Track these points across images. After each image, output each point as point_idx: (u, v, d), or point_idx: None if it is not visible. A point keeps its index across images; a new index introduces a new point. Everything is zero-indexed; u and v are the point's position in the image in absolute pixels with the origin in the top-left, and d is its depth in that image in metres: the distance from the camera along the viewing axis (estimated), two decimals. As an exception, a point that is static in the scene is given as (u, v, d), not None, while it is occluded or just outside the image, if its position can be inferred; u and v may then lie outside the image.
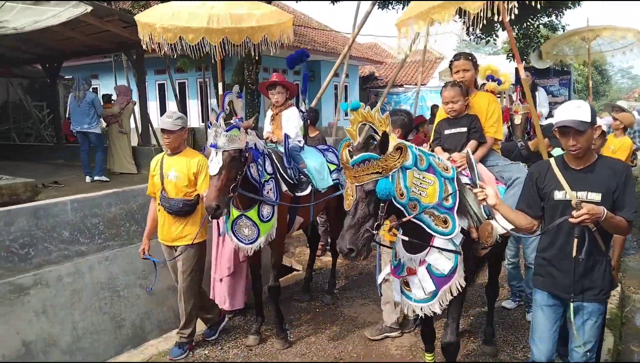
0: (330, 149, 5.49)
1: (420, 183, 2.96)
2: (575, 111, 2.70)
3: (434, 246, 3.06)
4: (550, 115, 7.89)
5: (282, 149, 4.73)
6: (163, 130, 4.16)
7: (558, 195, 2.81)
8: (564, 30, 13.04)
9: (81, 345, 4.35)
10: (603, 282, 2.81)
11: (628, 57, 8.83)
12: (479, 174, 3.44)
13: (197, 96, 16.45)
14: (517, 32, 13.37)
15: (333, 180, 5.08)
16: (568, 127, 2.67)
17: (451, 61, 4.18)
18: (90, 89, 8.70)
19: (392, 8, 12.89)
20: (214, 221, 4.99)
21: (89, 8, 6.79)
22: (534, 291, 3.07)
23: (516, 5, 4.04)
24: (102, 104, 8.81)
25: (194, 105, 16.68)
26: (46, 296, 4.17)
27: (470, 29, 12.51)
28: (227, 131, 3.71)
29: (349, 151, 2.84)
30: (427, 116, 12.03)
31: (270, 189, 4.26)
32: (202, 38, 4.75)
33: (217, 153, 3.71)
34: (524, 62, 12.83)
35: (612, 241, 3.47)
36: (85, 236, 4.50)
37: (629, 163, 5.50)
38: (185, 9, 4.78)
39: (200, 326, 4.69)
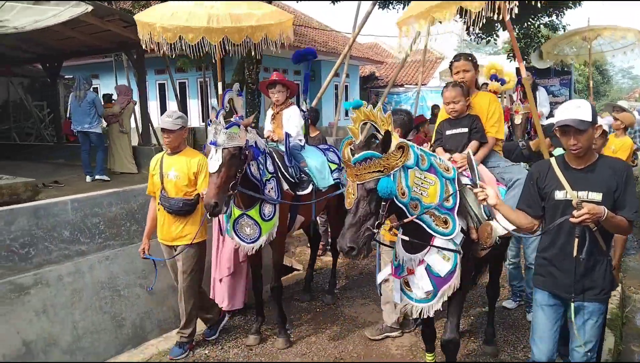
0: (331, 149, 5.49)
1: (422, 183, 2.96)
2: (576, 110, 2.70)
3: (434, 246, 3.06)
4: (551, 115, 7.89)
5: (283, 148, 4.73)
6: (163, 129, 4.16)
7: (559, 195, 2.80)
8: (564, 30, 13.04)
9: (81, 345, 4.34)
10: (604, 282, 2.81)
11: (629, 57, 8.83)
12: (480, 175, 3.43)
13: (198, 95, 16.46)
14: (517, 32, 13.36)
15: (334, 179, 5.08)
16: (569, 126, 2.67)
17: (451, 62, 4.18)
18: (91, 89, 8.70)
19: (393, 8, 12.89)
20: (214, 221, 5.00)
21: (90, 8, 6.79)
22: (534, 291, 3.07)
23: (516, 4, 4.03)
24: (102, 103, 8.82)
25: (194, 105, 16.68)
26: (46, 295, 4.17)
27: (471, 28, 12.53)
28: (226, 128, 3.70)
29: (351, 149, 2.84)
30: (428, 115, 12.03)
31: (272, 188, 4.25)
32: (202, 38, 4.75)
33: (216, 150, 3.70)
34: (524, 62, 12.83)
35: (614, 241, 3.48)
36: (86, 235, 4.50)
37: (629, 163, 5.50)
38: (185, 8, 4.78)
39: (201, 326, 4.69)
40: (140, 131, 10.82)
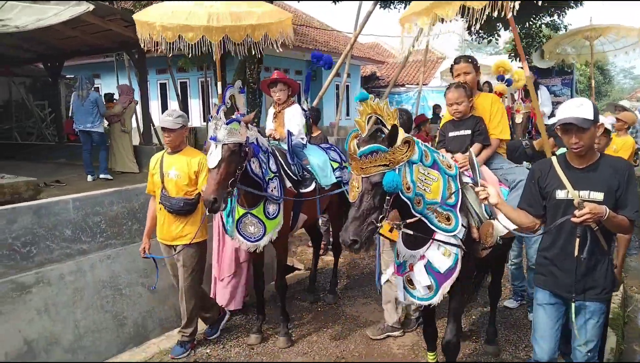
0: (332, 148, 5.49)
1: (425, 179, 2.96)
2: (577, 108, 2.69)
3: (436, 239, 3.06)
4: (552, 114, 7.89)
5: (284, 146, 4.73)
6: (164, 128, 4.15)
7: (560, 194, 2.80)
8: (566, 30, 13.04)
9: (83, 344, 4.34)
10: (605, 281, 2.80)
11: (630, 57, 8.82)
12: (482, 175, 3.43)
13: (199, 95, 16.47)
14: (519, 31, 13.34)
15: (336, 178, 5.08)
16: (571, 124, 2.66)
17: (452, 65, 4.18)
18: (93, 89, 8.73)
19: (394, 8, 12.87)
20: (215, 221, 4.99)
21: (91, 7, 6.80)
22: (535, 290, 3.06)
23: (518, 2, 4.03)
24: (104, 103, 8.84)
25: (195, 104, 16.69)
26: (48, 294, 4.17)
27: (472, 28, 12.51)
28: (227, 123, 3.68)
29: (357, 142, 2.82)
30: (429, 115, 12.02)
31: (275, 187, 4.24)
32: (202, 36, 4.75)
33: (216, 146, 3.68)
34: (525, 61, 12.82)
35: (617, 241, 3.47)
36: (87, 234, 4.49)
37: (631, 162, 5.49)
38: (184, 7, 4.78)
39: (201, 325, 4.69)
40: (141, 130, 10.84)
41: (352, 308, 5.37)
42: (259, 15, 4.97)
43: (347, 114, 19.91)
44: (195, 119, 16.17)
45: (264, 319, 4.75)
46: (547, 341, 2.94)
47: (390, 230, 3.21)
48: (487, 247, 3.28)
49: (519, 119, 7.50)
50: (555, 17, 12.79)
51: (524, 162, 4.89)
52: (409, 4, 6.23)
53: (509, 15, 4.04)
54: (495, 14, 3.94)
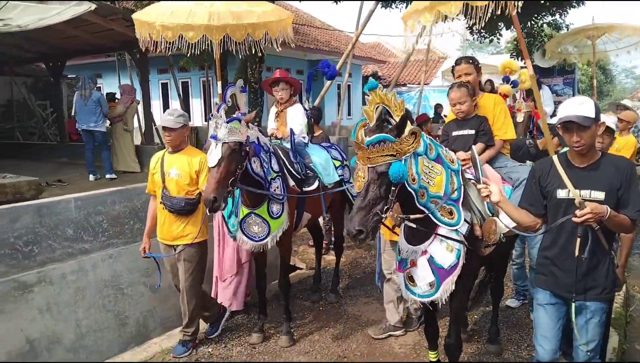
0: (333, 146, 5.50)
1: (429, 172, 2.95)
2: (579, 106, 2.68)
3: (438, 234, 3.05)
4: (554, 114, 7.87)
5: (286, 145, 4.73)
6: (164, 128, 4.15)
7: (561, 194, 2.78)
8: (567, 30, 13.02)
9: (85, 343, 4.34)
10: (606, 281, 2.79)
11: (632, 56, 8.80)
12: (484, 173, 3.42)
13: (200, 95, 16.47)
14: (521, 31, 13.32)
15: (339, 176, 5.08)
16: (572, 122, 2.65)
17: (453, 66, 4.17)
18: (95, 88, 8.74)
19: (396, 7, 12.85)
20: (215, 220, 4.99)
21: (93, 6, 6.81)
22: (535, 290, 3.05)
23: (521, 3, 4.02)
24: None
25: (197, 104, 16.70)
26: (50, 293, 4.17)
27: (474, 27, 12.49)
28: (227, 122, 3.66)
29: (364, 131, 2.81)
30: (431, 115, 12.01)
31: (277, 187, 4.23)
32: (203, 36, 4.74)
33: (216, 144, 3.66)
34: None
35: (620, 240, 3.45)
36: (89, 234, 4.49)
37: (633, 161, 5.47)
38: (184, 7, 4.77)
39: (203, 324, 4.69)
40: (143, 130, 10.84)
41: (354, 307, 5.37)
42: (260, 14, 4.97)
43: (349, 114, 19.90)
44: (197, 119, 16.17)
45: (265, 318, 4.76)
46: (548, 341, 2.93)
47: (393, 228, 3.20)
48: (490, 245, 3.27)
49: (520, 118, 7.48)
50: (557, 16, 12.75)
51: (527, 161, 4.88)
52: (410, 4, 6.23)
53: (513, 12, 4.03)
54: (499, 11, 3.93)
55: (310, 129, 5.60)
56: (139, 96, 10.28)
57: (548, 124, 4.56)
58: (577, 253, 2.67)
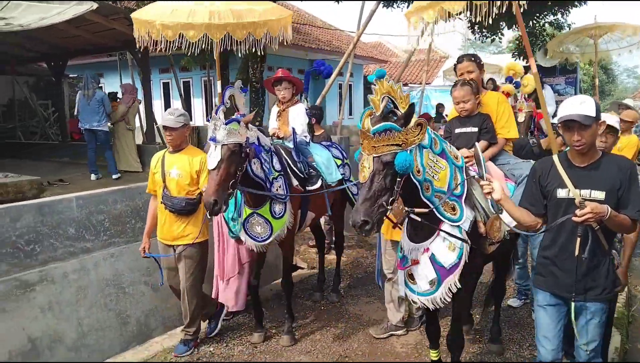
0: (334, 145, 5.49)
1: (434, 166, 2.94)
2: (580, 105, 2.67)
3: (442, 230, 3.03)
4: (555, 113, 7.86)
5: (289, 144, 4.72)
6: (165, 127, 4.14)
7: (561, 193, 2.77)
8: (569, 29, 13.00)
9: (86, 342, 4.35)
10: (606, 282, 2.78)
11: (634, 55, 8.79)
12: (487, 170, 3.41)
13: (202, 94, 16.47)
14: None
15: (341, 174, 5.08)
16: (573, 121, 2.64)
17: (455, 64, 4.17)
18: (98, 87, 8.76)
19: (397, 7, 12.86)
20: (215, 220, 4.98)
21: (95, 5, 6.80)
22: (535, 291, 3.03)
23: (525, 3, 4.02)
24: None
25: (198, 104, 16.70)
26: (52, 292, 4.17)
27: (475, 27, 12.49)
28: (226, 124, 3.63)
29: (371, 120, 2.79)
30: (433, 114, 12.00)
31: (280, 187, 4.21)
32: (204, 35, 4.74)
33: (216, 146, 3.63)
34: (528, 61, 12.78)
35: (623, 241, 3.43)
36: (91, 233, 4.49)
37: (635, 161, 5.46)
38: (185, 6, 4.77)
39: (203, 324, 4.69)
40: (144, 130, 10.85)
41: (355, 307, 5.37)
42: (260, 13, 4.97)
43: (350, 114, 19.89)
44: (198, 119, 16.17)
45: (262, 316, 4.73)
46: (550, 342, 2.92)
47: (396, 224, 3.19)
48: (494, 242, 3.26)
49: (521, 118, 7.47)
50: (559, 15, 12.73)
51: (531, 161, 4.88)
52: (411, 3, 6.24)
53: (519, 11, 4.03)
54: (504, 9, 3.93)
55: (311, 129, 5.60)
56: (140, 96, 10.29)
57: (552, 123, 4.56)
58: (577, 252, 2.66)
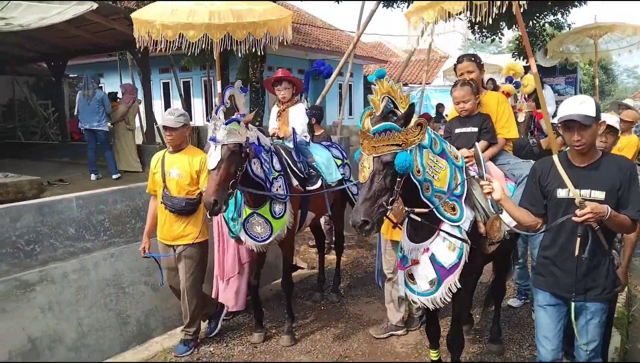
0: (333, 145, 5.49)
1: (434, 166, 2.94)
2: (579, 105, 2.66)
3: (442, 230, 3.03)
4: (555, 114, 7.86)
5: (289, 144, 4.72)
6: (165, 127, 4.14)
7: (561, 193, 2.77)
8: (569, 29, 13.00)
9: (86, 342, 4.35)
10: (606, 282, 2.78)
11: (634, 55, 8.79)
12: (487, 170, 3.41)
13: (202, 94, 16.47)
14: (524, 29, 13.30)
15: (341, 174, 5.08)
16: (573, 121, 2.64)
17: (455, 64, 4.17)
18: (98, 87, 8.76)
19: (397, 7, 12.86)
20: (215, 220, 4.97)
21: (95, 5, 6.80)
22: (535, 291, 3.03)
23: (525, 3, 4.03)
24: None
25: (198, 104, 16.70)
26: (52, 292, 4.17)
27: (475, 27, 12.48)
28: (226, 124, 3.63)
29: (371, 120, 2.78)
30: (432, 114, 11.99)
31: (280, 187, 4.21)
32: (204, 35, 4.73)
33: (215, 146, 3.63)
34: (528, 61, 12.77)
35: (623, 241, 3.43)
36: (91, 233, 4.49)
37: (635, 161, 5.46)
38: (185, 6, 4.77)
39: (203, 324, 4.68)
40: (144, 130, 10.86)
41: (356, 307, 5.37)
42: (261, 13, 4.97)
43: (350, 114, 19.89)
44: (198, 119, 16.17)
45: (261, 316, 4.72)
46: (550, 342, 2.91)
47: (396, 224, 3.19)
48: (494, 242, 3.26)
49: (521, 118, 7.48)
50: (559, 15, 12.73)
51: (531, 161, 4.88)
52: (411, 3, 6.24)
53: (519, 11, 4.03)
54: (504, 9, 3.93)
55: (310, 129, 5.59)
56: (140, 96, 10.28)
57: (552, 123, 4.56)
58: (577, 252, 2.65)
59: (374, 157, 2.72)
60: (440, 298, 3.12)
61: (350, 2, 12.41)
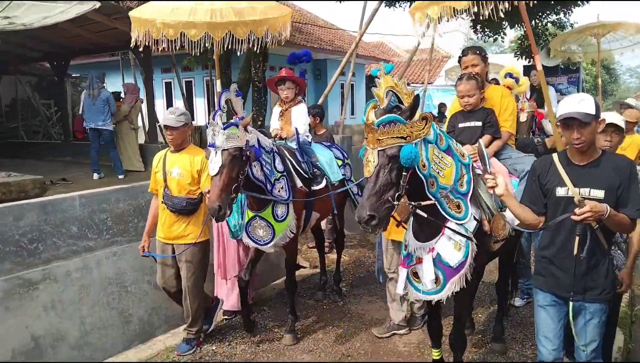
0: (334, 146, 5.49)
1: (439, 162, 2.90)
2: (578, 103, 2.66)
3: (447, 227, 3.01)
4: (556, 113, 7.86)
5: (291, 144, 4.71)
6: (166, 126, 4.13)
7: (560, 192, 2.76)
8: (572, 29, 12.98)
9: (89, 340, 4.35)
10: (605, 282, 2.77)
11: (637, 54, 8.78)
12: (492, 167, 3.39)
13: (204, 94, 16.48)
14: (524, 30, 13.28)
15: (342, 175, 5.08)
16: (572, 119, 2.63)
17: (460, 57, 4.16)
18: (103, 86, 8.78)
19: (399, 6, 12.84)
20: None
21: (97, 4, 6.81)
22: (535, 291, 3.02)
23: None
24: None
25: (200, 103, 16.71)
26: (54, 291, 4.18)
27: (478, 27, 12.46)
28: (224, 128, 3.61)
29: (375, 112, 2.74)
30: (435, 114, 11.96)
31: (282, 188, 4.19)
32: (205, 33, 4.73)
33: (216, 152, 3.61)
34: (531, 60, 12.76)
35: (629, 240, 3.41)
36: (94, 231, 4.50)
37: (638, 161, 5.45)
38: (185, 5, 4.76)
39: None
40: (146, 129, 10.87)
41: (358, 306, 5.37)
42: (262, 11, 4.97)
43: (352, 113, 19.89)
44: (200, 118, 16.18)
45: (249, 313, 4.67)
46: (550, 342, 2.90)
47: (399, 222, 3.18)
48: (499, 240, 3.25)
49: (523, 117, 7.48)
50: (562, 15, 12.70)
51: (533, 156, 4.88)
52: (414, 2, 6.25)
53: (523, 10, 4.03)
54: (510, 8, 3.93)
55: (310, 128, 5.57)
56: (142, 95, 10.29)
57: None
58: (575, 252, 2.64)
59: (378, 151, 2.67)
60: (447, 297, 3.11)
61: (353, 1, 12.45)
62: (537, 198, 2.89)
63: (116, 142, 9.09)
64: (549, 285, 2.87)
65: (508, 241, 3.36)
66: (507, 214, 3.05)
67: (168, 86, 17.09)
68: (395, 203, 2.66)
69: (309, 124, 5.17)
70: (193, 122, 4.69)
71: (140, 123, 10.21)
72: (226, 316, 5.08)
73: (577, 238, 2.63)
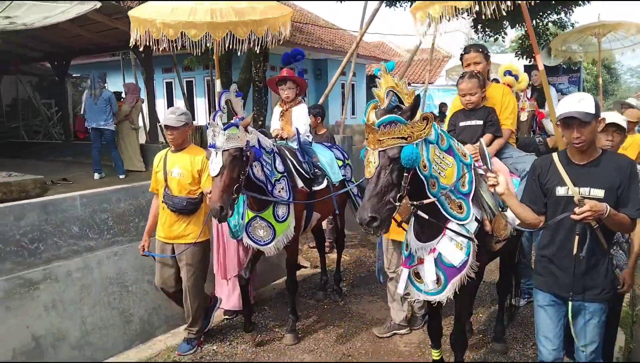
0: (334, 147, 5.48)
1: (440, 162, 2.89)
2: (578, 103, 2.66)
3: (448, 228, 3.00)
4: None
5: (292, 144, 4.71)
6: (166, 126, 4.13)
7: (560, 191, 2.76)
8: (573, 28, 12.97)
9: (90, 340, 4.35)
10: (605, 281, 2.76)
11: (638, 54, 8.77)
12: (493, 166, 3.38)
13: (205, 94, 16.48)
14: (526, 29, 13.28)
15: (342, 175, 5.07)
16: (572, 118, 2.62)
17: (462, 54, 4.15)
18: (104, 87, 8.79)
19: (400, 6, 12.83)
20: (214, 220, 4.95)
21: (98, 4, 6.82)
22: (535, 291, 3.01)
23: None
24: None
25: (201, 103, 16.70)
26: (55, 291, 4.18)
27: (479, 27, 12.46)
28: (224, 129, 3.60)
29: (376, 113, 2.72)
30: (436, 113, 11.94)
31: (282, 188, 4.19)
32: (206, 33, 4.72)
33: (216, 153, 3.61)
34: (532, 60, 12.75)
35: (631, 239, 3.40)
36: (94, 231, 4.50)
37: (639, 160, 5.44)
38: (185, 5, 4.76)
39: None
40: (147, 129, 10.87)
41: (359, 306, 5.37)
42: (262, 11, 4.97)
43: (353, 113, 19.88)
44: (201, 118, 16.18)
45: (249, 313, 4.66)
46: (550, 342, 2.90)
47: (400, 223, 3.17)
48: (501, 240, 3.24)
49: (523, 117, 7.49)
50: (563, 14, 12.69)
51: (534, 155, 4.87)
52: (414, 2, 6.25)
53: (525, 7, 4.02)
54: (512, 7, 3.92)
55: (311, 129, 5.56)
56: (143, 95, 10.30)
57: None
58: (575, 251, 2.64)
59: (379, 151, 2.65)
60: (448, 297, 3.10)
61: (353, 1, 12.42)
62: (537, 198, 2.89)
63: (117, 142, 9.09)
64: (549, 284, 2.87)
65: (509, 241, 3.36)
66: (509, 214, 3.04)
67: (169, 86, 17.09)
68: (396, 204, 2.64)
69: (310, 124, 5.16)
70: (194, 122, 4.68)
71: (141, 123, 10.22)
72: (227, 316, 5.08)
73: (576, 237, 2.62)
